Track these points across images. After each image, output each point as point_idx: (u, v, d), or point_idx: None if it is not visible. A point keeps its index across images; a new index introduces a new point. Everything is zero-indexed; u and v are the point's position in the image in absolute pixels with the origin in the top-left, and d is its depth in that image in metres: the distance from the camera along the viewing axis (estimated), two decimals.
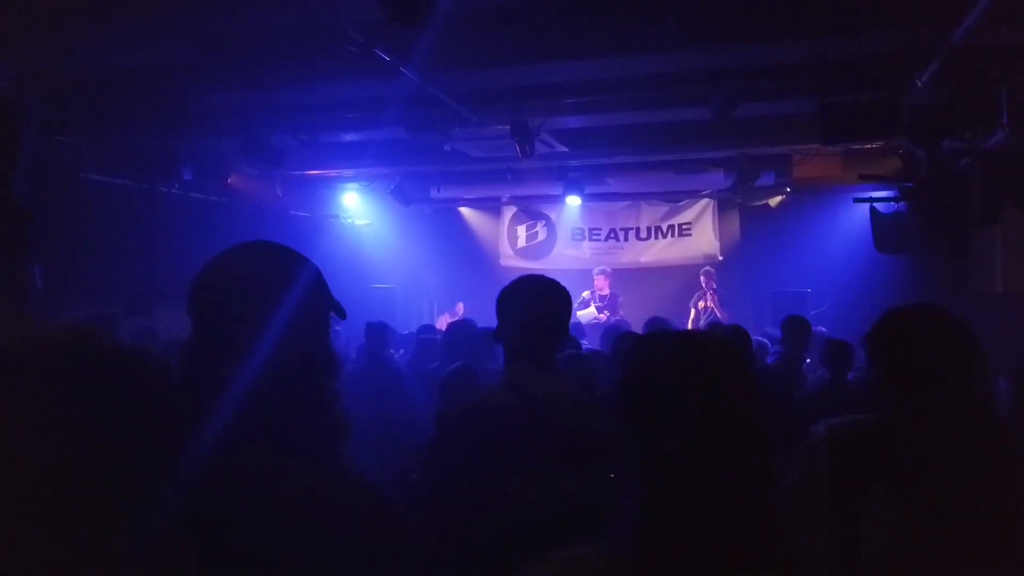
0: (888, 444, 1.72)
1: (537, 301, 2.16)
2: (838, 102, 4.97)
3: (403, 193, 9.22)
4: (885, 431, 1.75)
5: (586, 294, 9.93)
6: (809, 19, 4.50)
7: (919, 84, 4.81)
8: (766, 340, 6.30)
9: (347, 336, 7.83)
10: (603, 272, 9.99)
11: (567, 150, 7.69)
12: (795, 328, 5.12)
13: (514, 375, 2.10)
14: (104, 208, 6.97)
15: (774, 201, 9.70)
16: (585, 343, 7.02)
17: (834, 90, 5.05)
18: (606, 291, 9.97)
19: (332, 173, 9.46)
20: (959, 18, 4.13)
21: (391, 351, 6.45)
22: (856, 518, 1.67)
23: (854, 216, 8.45)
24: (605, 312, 9.74)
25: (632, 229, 10.77)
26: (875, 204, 7.42)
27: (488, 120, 6.15)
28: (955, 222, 6.26)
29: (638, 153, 7.90)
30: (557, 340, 2.16)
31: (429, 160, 8.29)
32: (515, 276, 9.25)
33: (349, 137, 7.29)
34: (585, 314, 9.87)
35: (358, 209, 10.76)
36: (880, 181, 6.98)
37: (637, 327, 8.29)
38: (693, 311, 9.84)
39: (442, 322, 10.25)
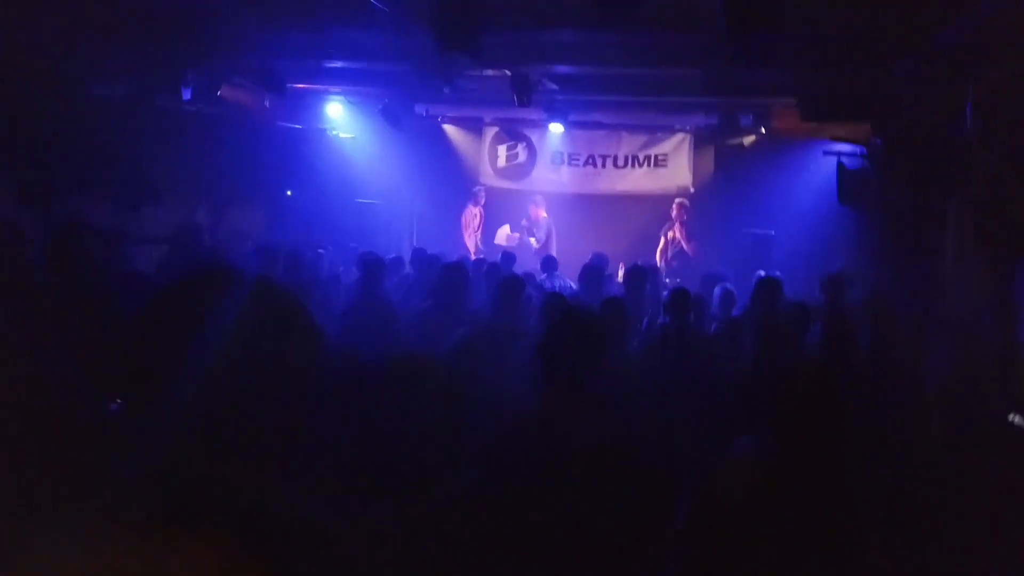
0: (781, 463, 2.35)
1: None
2: (821, 86, 5.37)
3: (392, 114, 9.35)
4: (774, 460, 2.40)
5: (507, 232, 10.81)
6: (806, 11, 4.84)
7: (897, 74, 5.24)
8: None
9: (331, 259, 8.18)
10: (535, 202, 10.91)
11: (557, 88, 7.95)
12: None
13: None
14: (101, 116, 7.14)
15: (747, 141, 10.11)
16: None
17: (820, 72, 5.44)
18: (542, 216, 10.81)
19: (320, 87, 9.53)
20: (941, 25, 4.53)
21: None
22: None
23: (823, 165, 8.93)
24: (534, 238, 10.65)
25: (610, 156, 11.11)
26: (842, 159, 7.91)
27: (491, 67, 6.39)
28: (915, 188, 6.82)
29: (627, 96, 8.20)
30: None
31: (423, 87, 8.44)
32: (495, 195, 9.81)
33: (349, 65, 7.42)
34: (503, 234, 10.88)
35: (343, 121, 10.85)
36: (851, 142, 7.44)
37: (614, 254, 8.83)
38: (663, 240, 10.42)
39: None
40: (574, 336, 2.55)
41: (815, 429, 2.41)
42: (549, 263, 8.07)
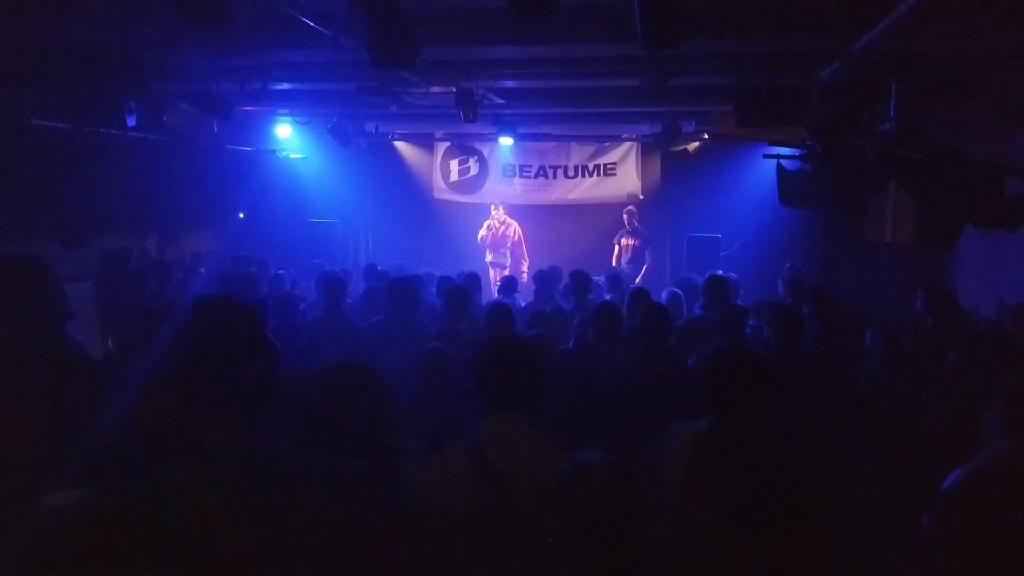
0: (715, 445, 2.50)
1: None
2: (754, 91, 5.58)
3: (342, 133, 9.40)
4: (714, 435, 2.56)
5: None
6: (734, 21, 5.05)
7: (823, 78, 5.47)
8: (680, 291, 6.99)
9: (293, 279, 8.20)
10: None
11: (503, 102, 8.07)
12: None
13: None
14: (44, 149, 7.05)
15: (692, 147, 10.37)
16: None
17: (751, 78, 5.65)
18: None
19: (268, 109, 9.54)
20: (861, 30, 4.76)
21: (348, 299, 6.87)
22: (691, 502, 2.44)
23: (764, 167, 9.21)
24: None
25: (561, 167, 11.30)
26: (781, 161, 8.16)
27: (435, 84, 6.49)
28: (851, 185, 7.08)
29: (571, 107, 8.36)
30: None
31: (371, 106, 8.52)
32: (449, 209, 9.95)
33: (296, 86, 7.45)
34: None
35: (292, 142, 10.86)
36: (788, 145, 7.69)
37: (568, 263, 8.95)
38: (617, 247, 10.63)
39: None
40: (509, 364, 2.51)
41: (754, 409, 2.56)
42: (508, 285, 8.12)
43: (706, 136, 9.97)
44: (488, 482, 2.30)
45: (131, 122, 7.20)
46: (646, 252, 10.44)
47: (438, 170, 11.71)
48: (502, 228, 11.13)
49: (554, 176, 11.34)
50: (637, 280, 9.72)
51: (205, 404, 1.41)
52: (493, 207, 11.24)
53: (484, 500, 2.28)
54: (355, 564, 1.41)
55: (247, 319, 1.52)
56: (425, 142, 11.60)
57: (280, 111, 9.70)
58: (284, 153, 10.95)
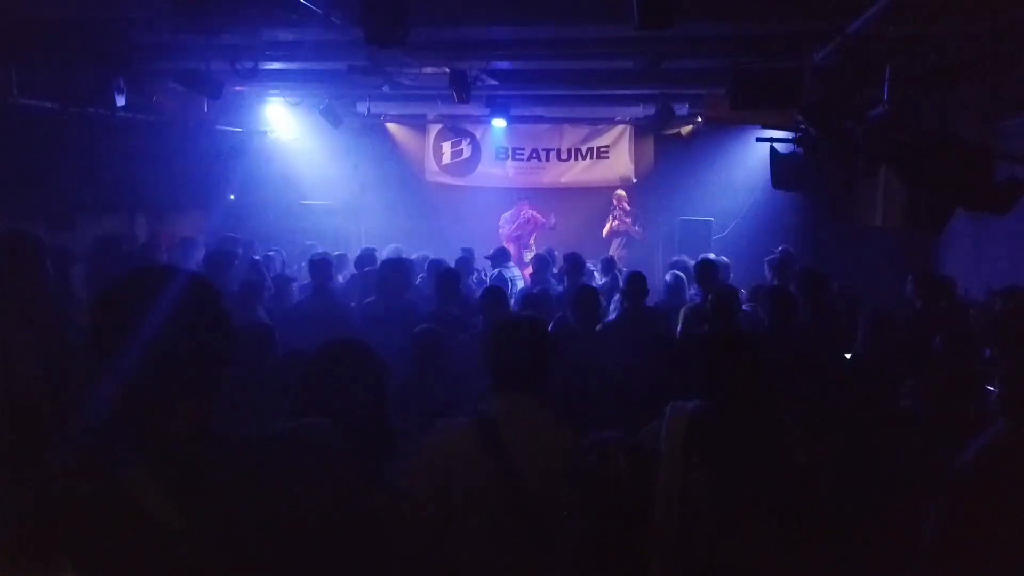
0: (707, 424, 2.52)
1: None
2: (747, 74, 5.57)
3: (333, 113, 9.34)
4: (707, 415, 2.56)
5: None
6: (727, 3, 5.03)
7: (816, 60, 5.46)
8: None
9: (282, 259, 8.19)
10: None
11: (496, 83, 8.03)
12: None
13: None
14: (31, 129, 6.97)
15: (686, 130, 10.35)
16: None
17: (745, 60, 5.64)
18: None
19: (259, 89, 9.45)
20: (855, 13, 4.75)
21: (336, 279, 6.87)
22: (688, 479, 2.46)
23: (757, 150, 9.21)
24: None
25: (554, 150, 11.27)
26: (774, 144, 8.16)
27: (428, 64, 6.45)
28: (843, 168, 7.10)
29: (564, 89, 8.32)
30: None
31: (363, 86, 8.44)
32: (441, 191, 9.95)
33: (287, 66, 7.38)
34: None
35: (284, 123, 10.78)
36: (781, 128, 7.69)
37: (560, 246, 8.93)
38: (616, 241, 10.62)
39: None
40: (521, 344, 2.51)
41: (744, 390, 2.57)
42: (500, 255, 8.14)
43: (699, 119, 9.94)
44: (498, 455, 2.32)
45: (120, 102, 7.11)
46: (636, 230, 10.46)
47: (431, 152, 11.67)
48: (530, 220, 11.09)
49: (547, 159, 11.31)
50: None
51: (163, 392, 1.29)
52: (527, 204, 11.10)
53: (492, 472, 2.31)
54: (341, 546, 1.39)
55: (196, 292, 1.36)
56: (417, 124, 11.54)
57: (271, 91, 9.63)
58: (275, 134, 10.87)
